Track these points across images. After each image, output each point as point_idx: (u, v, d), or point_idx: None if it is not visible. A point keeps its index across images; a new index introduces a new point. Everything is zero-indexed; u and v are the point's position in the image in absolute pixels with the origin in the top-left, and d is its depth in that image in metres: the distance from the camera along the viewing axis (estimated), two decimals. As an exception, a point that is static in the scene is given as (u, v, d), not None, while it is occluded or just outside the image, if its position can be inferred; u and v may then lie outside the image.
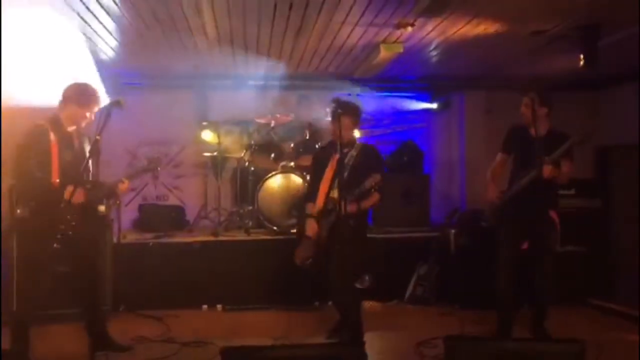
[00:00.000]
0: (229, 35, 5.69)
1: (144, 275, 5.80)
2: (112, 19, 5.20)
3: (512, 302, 4.73)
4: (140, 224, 7.05)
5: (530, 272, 4.71)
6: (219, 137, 7.00)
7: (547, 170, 4.38)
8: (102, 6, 4.87)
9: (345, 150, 4.60)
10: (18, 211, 5.28)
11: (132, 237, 6.35)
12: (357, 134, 7.39)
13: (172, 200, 7.85)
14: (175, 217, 7.19)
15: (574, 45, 5.50)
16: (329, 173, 4.69)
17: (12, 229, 4.65)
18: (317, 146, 6.66)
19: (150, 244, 6.06)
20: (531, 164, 4.47)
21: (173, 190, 7.90)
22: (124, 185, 4.39)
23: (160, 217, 7.09)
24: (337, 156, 4.50)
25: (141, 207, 7.35)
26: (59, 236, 3.87)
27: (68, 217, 3.98)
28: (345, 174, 4.47)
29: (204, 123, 7.40)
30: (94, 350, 4.20)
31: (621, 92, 6.73)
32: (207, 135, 7.25)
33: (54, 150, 4.11)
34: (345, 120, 4.55)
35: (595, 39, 5.27)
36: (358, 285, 5.99)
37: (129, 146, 7.60)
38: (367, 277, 6.03)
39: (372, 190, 4.37)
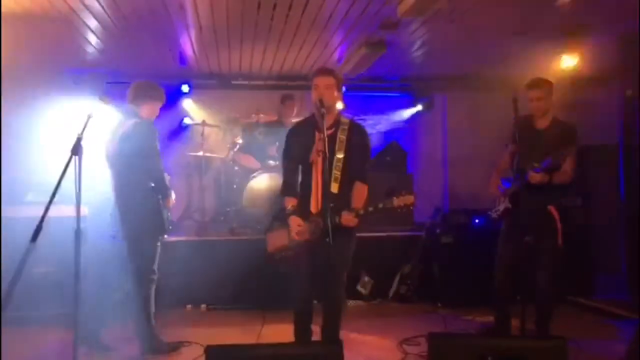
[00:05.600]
0: (213, 35, 5.69)
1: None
2: (97, 19, 5.20)
3: (509, 297, 4.67)
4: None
5: (531, 268, 4.66)
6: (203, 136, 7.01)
7: (535, 177, 4.36)
8: (86, 7, 4.86)
9: (333, 129, 3.78)
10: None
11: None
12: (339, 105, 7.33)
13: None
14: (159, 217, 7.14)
15: (556, 46, 5.58)
16: (317, 161, 3.76)
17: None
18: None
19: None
20: (534, 157, 4.44)
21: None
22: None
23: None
24: (322, 136, 3.63)
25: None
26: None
27: None
28: (341, 165, 3.72)
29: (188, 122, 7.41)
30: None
31: (601, 92, 6.80)
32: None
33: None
34: (323, 80, 3.76)
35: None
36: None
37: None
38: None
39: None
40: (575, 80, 5.96)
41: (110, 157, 4.39)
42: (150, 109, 4.49)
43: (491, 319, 5.24)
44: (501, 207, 4.71)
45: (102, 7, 4.95)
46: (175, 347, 4.59)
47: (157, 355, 4.40)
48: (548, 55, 5.90)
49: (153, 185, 4.29)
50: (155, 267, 4.43)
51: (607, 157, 6.35)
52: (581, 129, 5.72)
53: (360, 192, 3.80)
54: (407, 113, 8.43)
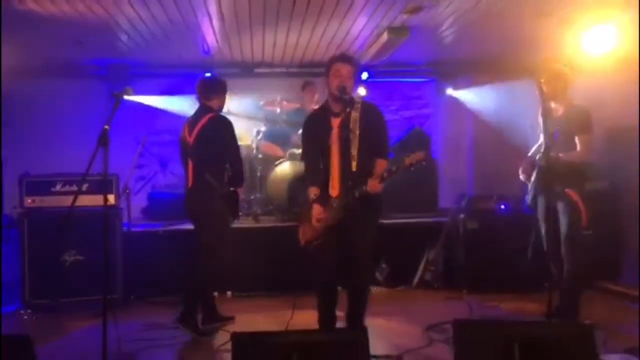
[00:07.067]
0: (235, 23, 5.69)
1: (154, 262, 5.84)
2: (127, 18, 5.28)
3: (557, 278, 4.54)
4: (149, 213, 7.09)
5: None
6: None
7: (542, 159, 4.36)
8: (120, 10, 5.01)
9: (347, 110, 3.86)
10: (28, 201, 5.42)
11: (142, 226, 6.39)
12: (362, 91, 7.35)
13: (182, 189, 7.86)
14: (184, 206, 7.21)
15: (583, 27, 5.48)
16: (335, 144, 3.87)
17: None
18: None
19: (160, 231, 6.10)
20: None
21: (182, 178, 7.89)
22: None
23: (169, 205, 7.12)
24: (338, 120, 3.88)
25: (151, 196, 7.39)
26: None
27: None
28: (357, 142, 3.79)
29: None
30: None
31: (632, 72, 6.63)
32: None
33: None
34: (345, 69, 3.87)
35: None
36: (377, 275, 6.03)
37: (137, 134, 7.63)
38: (384, 266, 6.05)
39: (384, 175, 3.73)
40: (604, 61, 5.83)
41: (190, 150, 4.75)
42: (220, 102, 4.89)
43: (515, 305, 5.23)
44: (532, 193, 4.69)
45: (133, 7, 5.04)
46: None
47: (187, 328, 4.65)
48: (575, 37, 5.79)
49: (230, 174, 4.74)
50: (226, 249, 4.80)
51: (634, 139, 6.19)
52: (611, 111, 5.60)
53: (381, 166, 3.83)
54: (431, 98, 8.37)
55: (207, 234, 4.78)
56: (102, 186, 4.99)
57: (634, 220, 5.88)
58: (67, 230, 5.12)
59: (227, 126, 4.75)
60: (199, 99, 4.87)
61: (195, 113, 4.87)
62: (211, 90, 4.85)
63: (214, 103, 4.84)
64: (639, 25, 5.07)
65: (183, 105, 7.37)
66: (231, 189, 4.78)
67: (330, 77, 3.89)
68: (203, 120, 4.70)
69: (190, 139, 4.73)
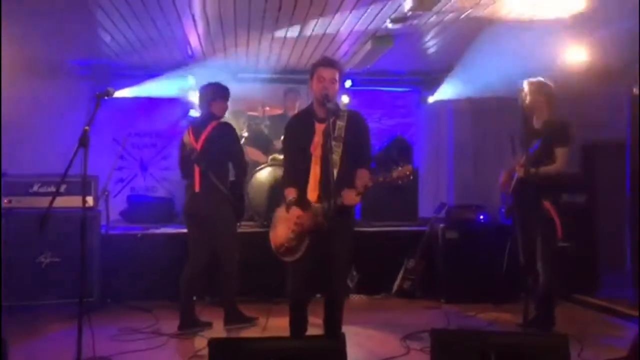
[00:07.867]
0: (220, 27, 5.68)
1: (133, 266, 5.79)
2: (105, 13, 5.23)
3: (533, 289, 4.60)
4: (128, 216, 7.03)
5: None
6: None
7: (520, 171, 4.46)
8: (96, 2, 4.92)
9: (332, 118, 3.73)
10: (5, 201, 5.35)
11: (120, 229, 6.33)
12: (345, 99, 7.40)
13: (161, 192, 7.84)
14: (163, 209, 7.17)
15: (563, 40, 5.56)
16: (317, 149, 3.78)
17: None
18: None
19: (139, 235, 6.05)
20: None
21: (162, 181, 7.89)
22: None
23: (148, 208, 7.07)
24: (322, 126, 3.76)
25: (130, 199, 7.33)
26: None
27: None
28: (340, 151, 3.72)
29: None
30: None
31: (609, 87, 6.73)
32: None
33: None
34: (329, 73, 3.77)
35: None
36: (347, 282, 6.02)
37: (118, 136, 7.58)
38: (354, 273, 6.06)
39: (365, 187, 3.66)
40: (582, 75, 5.91)
41: (198, 156, 4.81)
42: (221, 107, 4.97)
43: (492, 315, 5.27)
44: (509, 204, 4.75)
45: (114, 4, 5.00)
46: (251, 319, 5.04)
47: (237, 325, 4.93)
48: (555, 49, 5.87)
49: (234, 179, 4.95)
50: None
51: (614, 153, 6.27)
52: (588, 125, 5.67)
53: (362, 175, 3.74)
54: (413, 107, 8.42)
55: (221, 239, 4.89)
56: (81, 188, 4.94)
57: (612, 233, 5.95)
58: (44, 231, 5.05)
59: (232, 132, 4.92)
60: (202, 105, 5.00)
61: (199, 119, 5.02)
62: (213, 96, 4.95)
63: (216, 109, 4.94)
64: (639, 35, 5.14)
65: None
66: (236, 191, 4.93)
67: (314, 82, 3.81)
68: (209, 128, 4.82)
69: (198, 145, 4.82)
